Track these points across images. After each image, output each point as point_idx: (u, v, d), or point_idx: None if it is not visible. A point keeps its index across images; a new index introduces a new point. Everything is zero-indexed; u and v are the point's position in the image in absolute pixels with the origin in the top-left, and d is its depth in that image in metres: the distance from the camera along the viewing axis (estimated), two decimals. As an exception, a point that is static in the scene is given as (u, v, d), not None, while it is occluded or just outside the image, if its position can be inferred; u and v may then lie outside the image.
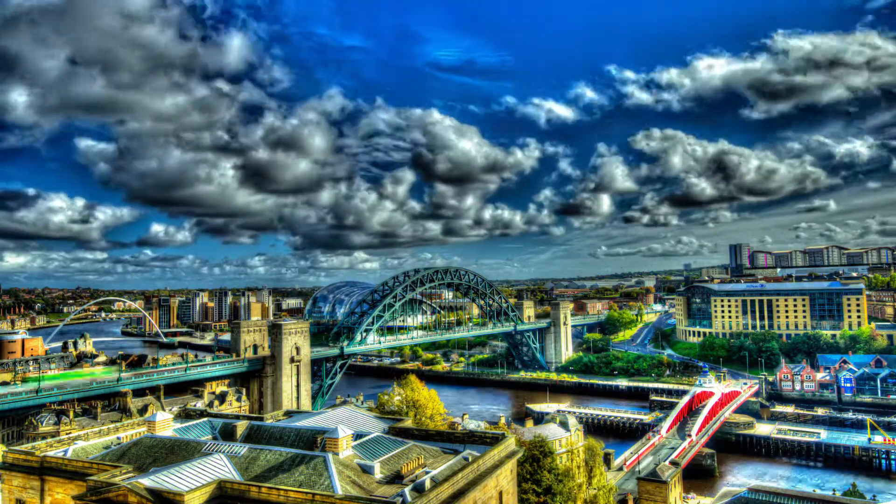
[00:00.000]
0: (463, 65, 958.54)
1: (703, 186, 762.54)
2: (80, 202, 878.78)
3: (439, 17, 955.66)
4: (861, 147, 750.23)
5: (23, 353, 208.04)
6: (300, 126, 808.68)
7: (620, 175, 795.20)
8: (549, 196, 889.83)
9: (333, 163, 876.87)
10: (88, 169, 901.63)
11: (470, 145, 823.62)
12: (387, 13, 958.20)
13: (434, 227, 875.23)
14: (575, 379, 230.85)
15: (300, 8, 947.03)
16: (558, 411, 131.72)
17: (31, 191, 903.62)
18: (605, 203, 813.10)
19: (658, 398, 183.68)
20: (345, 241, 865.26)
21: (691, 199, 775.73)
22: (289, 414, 62.34)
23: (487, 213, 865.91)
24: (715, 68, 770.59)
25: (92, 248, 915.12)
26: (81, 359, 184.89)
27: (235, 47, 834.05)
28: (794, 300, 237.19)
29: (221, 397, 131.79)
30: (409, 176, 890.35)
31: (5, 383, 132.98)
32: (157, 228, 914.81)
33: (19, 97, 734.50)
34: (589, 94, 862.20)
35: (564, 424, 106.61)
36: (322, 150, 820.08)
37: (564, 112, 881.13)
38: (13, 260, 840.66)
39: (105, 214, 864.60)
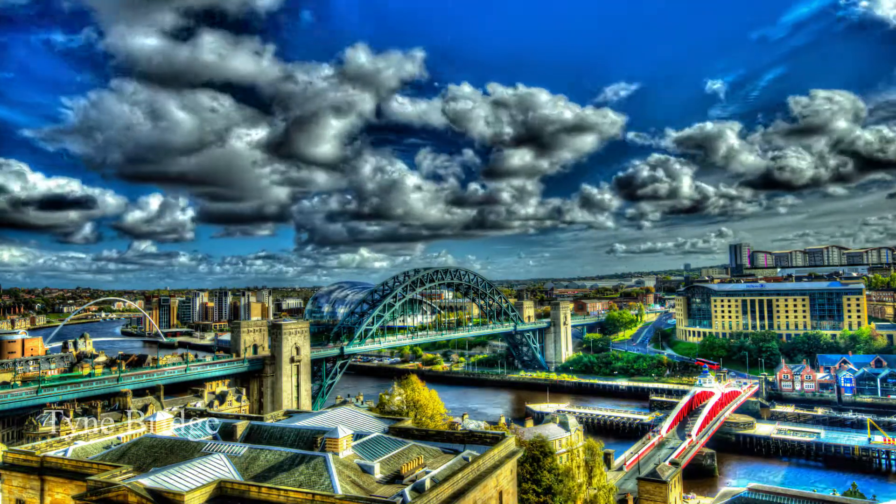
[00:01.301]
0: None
1: (804, 163, 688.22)
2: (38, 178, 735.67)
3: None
4: None
5: (23, 353, 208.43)
6: (341, 69, 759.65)
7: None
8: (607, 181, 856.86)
9: (371, 131, 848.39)
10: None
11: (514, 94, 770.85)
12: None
13: (469, 213, 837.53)
14: (575, 379, 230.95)
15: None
16: (558, 411, 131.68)
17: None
18: (686, 183, 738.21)
19: (658, 398, 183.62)
20: (357, 232, 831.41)
21: (778, 182, 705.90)
22: (289, 414, 62.29)
23: (533, 201, 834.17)
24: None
25: (74, 241, 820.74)
26: (81, 359, 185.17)
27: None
28: (794, 300, 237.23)
29: (221, 397, 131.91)
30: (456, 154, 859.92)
31: (5, 384, 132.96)
32: (153, 205, 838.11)
33: None
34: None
35: (564, 424, 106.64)
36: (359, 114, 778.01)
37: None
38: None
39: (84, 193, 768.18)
